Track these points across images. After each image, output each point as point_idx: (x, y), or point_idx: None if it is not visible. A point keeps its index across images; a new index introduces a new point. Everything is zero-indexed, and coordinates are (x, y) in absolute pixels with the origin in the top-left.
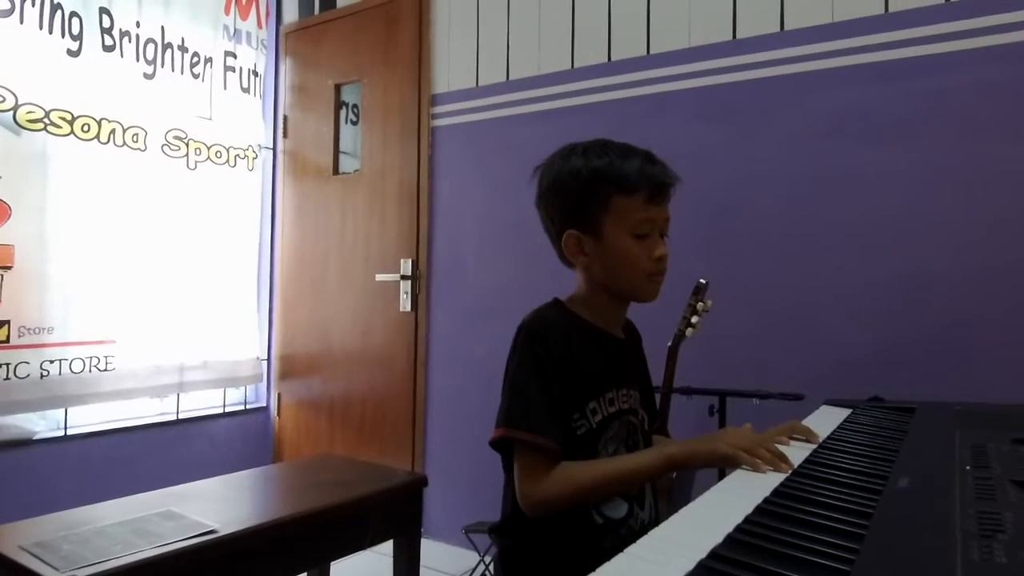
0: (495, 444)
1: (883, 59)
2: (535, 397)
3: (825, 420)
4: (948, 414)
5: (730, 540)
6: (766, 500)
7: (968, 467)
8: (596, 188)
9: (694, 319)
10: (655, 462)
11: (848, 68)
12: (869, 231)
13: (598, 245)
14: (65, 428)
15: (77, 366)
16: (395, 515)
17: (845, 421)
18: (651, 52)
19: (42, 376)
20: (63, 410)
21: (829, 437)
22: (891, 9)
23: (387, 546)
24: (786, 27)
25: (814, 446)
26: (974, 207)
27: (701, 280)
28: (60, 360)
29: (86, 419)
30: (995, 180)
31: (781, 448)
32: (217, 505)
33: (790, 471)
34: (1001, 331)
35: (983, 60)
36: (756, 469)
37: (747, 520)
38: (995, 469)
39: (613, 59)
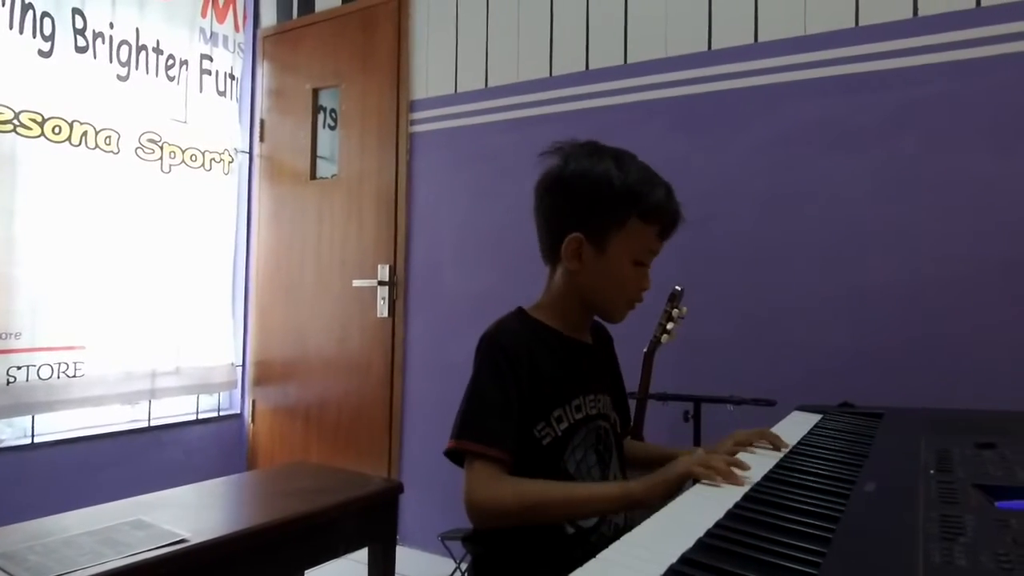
0: (449, 455)
1: (853, 71)
2: (489, 407)
3: (797, 425)
4: (915, 419)
5: (701, 544)
6: (737, 505)
7: (932, 471)
8: (621, 204)
9: (670, 326)
10: (613, 496)
11: (819, 80)
12: (839, 240)
13: (598, 257)
14: (32, 436)
15: (45, 372)
16: (370, 522)
17: (816, 426)
18: (628, 61)
19: (8, 382)
20: (30, 417)
21: (800, 442)
22: (861, 23)
23: (362, 553)
24: (760, 39)
25: (781, 453)
26: (940, 217)
27: (676, 287)
28: (28, 366)
29: (54, 426)
30: (961, 191)
31: (745, 456)
32: (189, 513)
33: (745, 481)
34: (966, 339)
35: (949, 74)
36: (712, 480)
37: (718, 525)
38: (958, 473)
39: (591, 68)
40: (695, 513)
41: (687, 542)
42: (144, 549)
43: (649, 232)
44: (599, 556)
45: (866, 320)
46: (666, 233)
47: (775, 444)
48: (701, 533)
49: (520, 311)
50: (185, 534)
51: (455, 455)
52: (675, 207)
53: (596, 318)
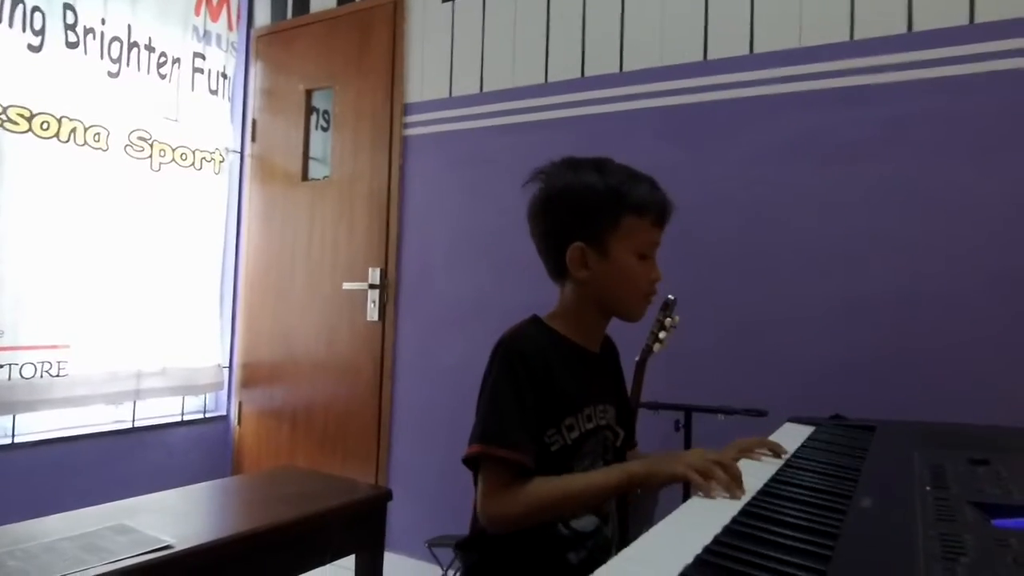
0: (469, 460)
1: (847, 84)
2: (511, 413)
3: (789, 437)
4: (907, 433)
5: (699, 561)
6: (734, 520)
7: (928, 487)
8: (610, 205)
9: (662, 335)
10: (617, 480)
11: (814, 92)
12: (831, 252)
13: (603, 261)
14: (13, 435)
15: (28, 371)
16: (358, 529)
17: (808, 439)
18: (624, 69)
19: None
20: (11, 416)
21: (794, 455)
22: (856, 37)
23: (349, 560)
24: (755, 50)
25: (781, 462)
26: (932, 230)
27: (669, 296)
28: (10, 364)
29: (35, 426)
30: (952, 204)
31: (747, 463)
32: (173, 519)
33: (743, 495)
34: (956, 351)
35: (942, 89)
36: (707, 493)
37: (716, 541)
38: (953, 489)
39: (586, 75)
40: (692, 528)
41: (685, 558)
42: (127, 555)
43: (644, 224)
44: (596, 573)
45: (857, 332)
46: (660, 221)
47: (776, 452)
48: (699, 549)
49: (535, 319)
50: (170, 540)
51: (476, 461)
52: (661, 196)
53: (607, 331)
